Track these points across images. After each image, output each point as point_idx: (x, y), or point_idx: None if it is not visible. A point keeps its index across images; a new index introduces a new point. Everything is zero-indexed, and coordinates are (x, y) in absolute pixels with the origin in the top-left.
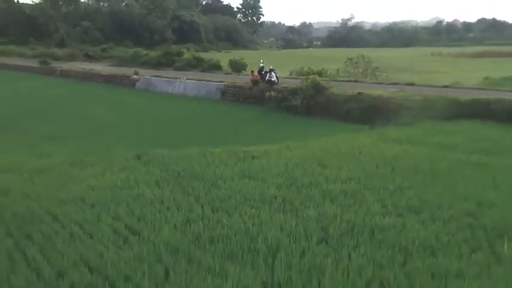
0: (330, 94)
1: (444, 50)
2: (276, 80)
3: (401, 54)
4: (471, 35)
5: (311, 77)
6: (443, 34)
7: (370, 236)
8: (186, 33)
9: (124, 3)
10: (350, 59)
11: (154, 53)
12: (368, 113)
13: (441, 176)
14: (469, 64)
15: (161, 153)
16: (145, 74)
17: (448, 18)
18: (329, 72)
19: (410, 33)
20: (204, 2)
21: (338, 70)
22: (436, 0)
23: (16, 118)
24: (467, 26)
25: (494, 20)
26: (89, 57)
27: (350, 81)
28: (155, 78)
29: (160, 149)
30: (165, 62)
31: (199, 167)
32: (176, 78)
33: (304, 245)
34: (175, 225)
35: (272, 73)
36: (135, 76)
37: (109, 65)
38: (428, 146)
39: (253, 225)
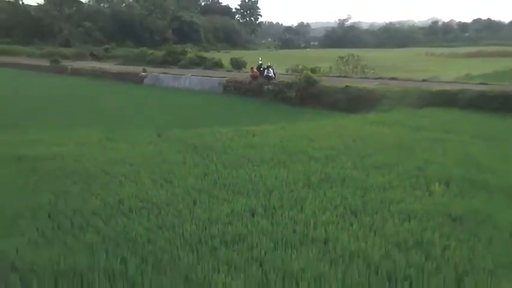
0: (321, 87)
1: (438, 50)
2: (274, 76)
3: (395, 54)
4: (467, 35)
5: (304, 71)
6: (438, 34)
7: (342, 182)
8: (186, 33)
9: (124, 4)
10: (341, 57)
11: (159, 52)
12: (354, 102)
13: (405, 147)
14: (458, 63)
15: (177, 132)
16: (152, 72)
17: (445, 18)
18: (322, 69)
19: (407, 33)
20: (202, 3)
21: (330, 67)
22: (434, 1)
23: (44, 109)
24: (463, 26)
25: (489, 20)
26: (94, 57)
27: (340, 76)
28: (162, 74)
29: (176, 130)
30: (170, 61)
31: (211, 141)
32: (182, 75)
33: (293, 187)
34: (197, 176)
35: (270, 69)
36: (143, 73)
37: (116, 64)
38: (399, 126)
39: (255, 176)
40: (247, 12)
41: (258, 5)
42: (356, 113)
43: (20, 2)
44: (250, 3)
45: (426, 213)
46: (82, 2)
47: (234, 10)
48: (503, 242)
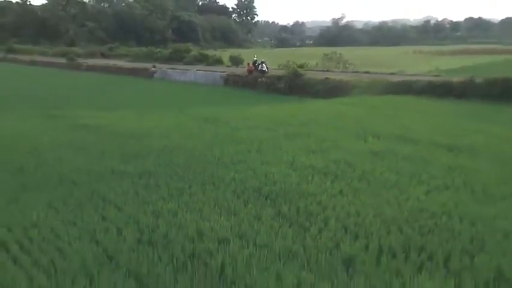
0: (305, 79)
1: (427, 48)
2: (267, 70)
3: (385, 52)
4: (458, 34)
5: (292, 66)
6: (430, 33)
7: (308, 136)
8: (185, 33)
9: (123, 4)
10: (326, 54)
11: (165, 51)
12: (331, 91)
13: (358, 118)
14: (439, 60)
15: (190, 111)
16: (161, 67)
17: (441, 17)
18: (309, 65)
19: (399, 32)
20: (200, 3)
21: (316, 63)
22: (429, 0)
23: (78, 97)
24: (455, 25)
25: (480, 19)
26: (103, 56)
27: (323, 70)
28: (170, 70)
29: (190, 109)
30: (175, 58)
31: (217, 116)
32: (188, 70)
33: (276, 140)
34: (210, 135)
35: (263, 64)
36: (153, 68)
37: (126, 61)
38: (359, 106)
39: (251, 135)
40: (243, 11)
41: (254, 5)
42: (331, 99)
43: (28, 3)
44: (246, 2)
45: (358, 150)
46: (85, 3)
47: (230, 9)
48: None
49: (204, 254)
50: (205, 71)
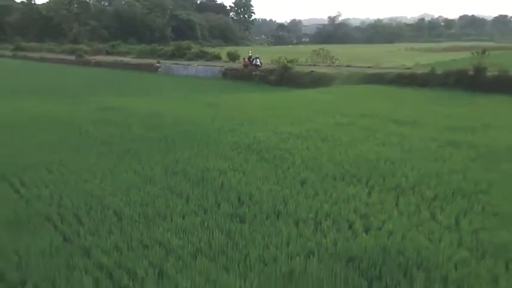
0: (293, 72)
1: (418, 46)
2: (260, 64)
3: (378, 49)
4: (452, 31)
5: (282, 61)
6: (425, 30)
7: (290, 115)
8: (184, 31)
9: (123, 2)
10: (314, 51)
11: (167, 48)
12: (315, 82)
13: (331, 102)
14: (425, 56)
15: (195, 97)
16: (164, 63)
17: (437, 14)
18: (299, 60)
19: (394, 30)
20: (198, 1)
21: (306, 59)
22: None
23: (92, 88)
24: (449, 23)
25: (473, 17)
26: (107, 53)
27: (311, 65)
28: (173, 65)
29: (193, 96)
30: (177, 54)
31: (218, 101)
32: (189, 65)
33: (266, 118)
34: (212, 115)
35: (257, 59)
36: (157, 64)
37: (131, 57)
38: (336, 94)
39: (245, 114)
40: (241, 10)
41: (252, 3)
42: (315, 88)
43: (32, 2)
44: (244, 1)
45: (327, 123)
46: (88, 2)
47: (228, 8)
48: (359, 127)
49: (210, 178)
50: (205, 65)
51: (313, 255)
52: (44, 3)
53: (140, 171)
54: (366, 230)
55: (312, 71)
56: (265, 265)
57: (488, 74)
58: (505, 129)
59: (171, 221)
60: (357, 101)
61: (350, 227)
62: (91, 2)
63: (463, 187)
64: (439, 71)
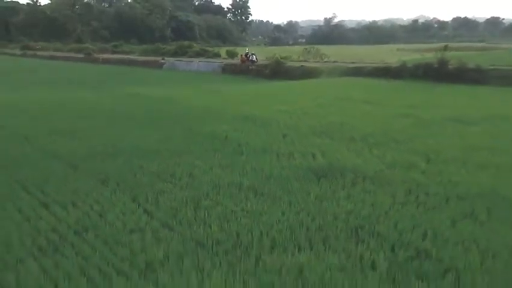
0: (285, 66)
1: (409, 46)
2: (256, 60)
3: (369, 49)
4: (445, 32)
5: (275, 57)
6: (419, 32)
7: (276, 96)
8: (183, 31)
9: (123, 3)
10: (306, 48)
11: (170, 47)
12: (304, 75)
13: (317, 89)
14: (413, 56)
15: (199, 87)
16: (169, 60)
17: (434, 15)
18: (292, 57)
19: (389, 31)
20: (196, 3)
21: (298, 56)
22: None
23: (109, 81)
24: (442, 25)
25: (466, 18)
26: (112, 52)
27: (302, 61)
28: (177, 61)
29: (197, 86)
30: (180, 52)
31: (219, 90)
32: (192, 61)
33: (259, 102)
34: (214, 99)
35: (253, 56)
36: (162, 60)
37: (137, 55)
38: (319, 83)
39: (243, 99)
40: (238, 11)
41: (249, 5)
42: (303, 80)
43: (38, 4)
44: (241, 2)
45: (310, 104)
46: (90, 4)
47: (226, 9)
48: (336, 107)
49: (217, 134)
50: (206, 62)
51: (286, 168)
52: (48, 4)
53: (167, 131)
54: (323, 157)
55: (302, 65)
56: (255, 171)
57: (450, 66)
58: (447, 108)
59: (192, 154)
60: (337, 88)
61: (313, 156)
62: (92, 2)
63: (396, 137)
64: (410, 65)
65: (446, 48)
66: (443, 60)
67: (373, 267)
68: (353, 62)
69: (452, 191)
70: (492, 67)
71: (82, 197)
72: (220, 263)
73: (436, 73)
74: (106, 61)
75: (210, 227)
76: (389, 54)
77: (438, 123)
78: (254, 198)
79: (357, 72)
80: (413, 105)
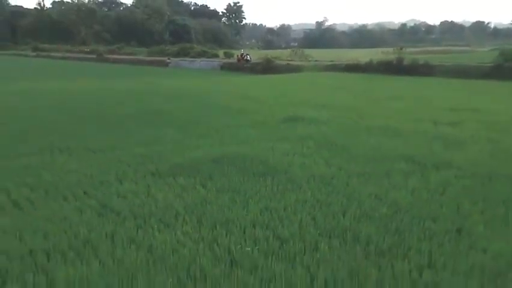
0: (275, 64)
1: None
2: (250, 59)
3: (358, 52)
4: (433, 36)
5: (266, 57)
6: (406, 35)
7: (268, 86)
8: (180, 34)
9: (122, 8)
10: (292, 50)
11: (173, 48)
12: (290, 70)
13: (297, 81)
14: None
15: (202, 79)
16: (173, 59)
17: (424, 19)
18: (281, 57)
19: (378, 35)
20: (192, 8)
21: (286, 57)
22: (413, 3)
23: (125, 75)
24: (430, 29)
25: (452, 22)
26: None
27: (289, 60)
28: (181, 61)
29: (201, 78)
30: (182, 53)
31: (220, 81)
32: (194, 61)
33: (254, 91)
34: (216, 89)
35: (248, 55)
36: (168, 60)
37: (145, 56)
38: (301, 77)
39: (239, 85)
40: (232, 15)
41: (243, 9)
42: (288, 74)
43: (45, 8)
44: (235, 7)
45: (290, 89)
46: (94, 8)
47: (220, 13)
48: (310, 91)
49: (220, 105)
50: (207, 61)
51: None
52: (53, 8)
53: (177, 115)
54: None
55: (288, 63)
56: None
57: (405, 63)
58: (387, 91)
59: (203, 124)
60: (313, 80)
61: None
62: (94, 7)
63: (350, 105)
64: (375, 62)
65: (401, 48)
66: (399, 58)
67: None
68: (331, 61)
69: None
70: (438, 63)
71: None
72: None
73: (395, 68)
74: (116, 61)
75: None
76: (373, 56)
77: (382, 98)
78: None
79: (333, 68)
80: (368, 89)
